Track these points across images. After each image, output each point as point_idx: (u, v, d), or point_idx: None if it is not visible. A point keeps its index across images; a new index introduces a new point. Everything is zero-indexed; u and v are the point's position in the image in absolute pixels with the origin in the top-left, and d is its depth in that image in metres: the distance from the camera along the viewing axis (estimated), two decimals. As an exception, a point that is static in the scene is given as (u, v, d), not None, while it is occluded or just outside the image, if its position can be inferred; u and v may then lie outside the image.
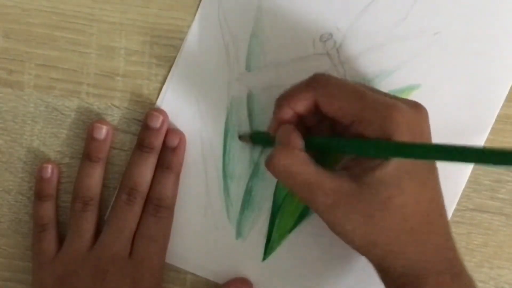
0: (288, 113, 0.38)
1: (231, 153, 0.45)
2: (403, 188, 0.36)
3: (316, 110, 0.38)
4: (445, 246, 0.38)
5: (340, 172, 0.37)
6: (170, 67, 0.45)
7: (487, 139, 0.44)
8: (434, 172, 0.38)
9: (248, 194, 0.45)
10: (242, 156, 0.45)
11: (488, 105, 0.44)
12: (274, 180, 0.45)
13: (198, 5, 0.44)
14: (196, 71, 0.44)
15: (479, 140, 0.44)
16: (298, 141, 0.37)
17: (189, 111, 0.45)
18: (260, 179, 0.45)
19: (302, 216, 0.45)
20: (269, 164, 0.37)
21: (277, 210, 0.45)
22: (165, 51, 0.45)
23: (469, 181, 0.44)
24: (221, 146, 0.45)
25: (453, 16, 0.43)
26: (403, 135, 0.35)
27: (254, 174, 0.45)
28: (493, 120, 0.43)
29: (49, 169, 0.45)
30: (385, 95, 0.38)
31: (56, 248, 0.44)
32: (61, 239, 0.45)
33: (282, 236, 0.45)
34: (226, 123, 0.45)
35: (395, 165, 0.35)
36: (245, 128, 0.44)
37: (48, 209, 0.45)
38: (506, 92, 0.43)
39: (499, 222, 0.44)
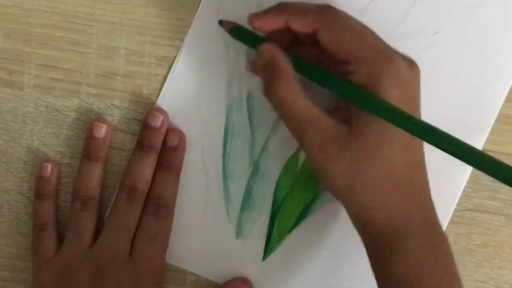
0: (281, 22, 0.38)
1: (231, 153, 0.45)
2: (393, 137, 0.35)
3: (312, 35, 0.38)
4: (424, 203, 0.38)
5: (332, 112, 0.37)
6: (170, 67, 0.45)
7: (487, 139, 0.44)
8: None
9: (248, 194, 0.45)
10: (242, 156, 0.45)
11: (488, 105, 0.44)
12: (274, 180, 0.45)
13: (198, 5, 0.44)
14: (196, 71, 0.44)
15: (479, 140, 0.43)
16: (290, 70, 0.37)
17: (189, 111, 0.45)
18: (260, 179, 0.45)
19: (302, 216, 0.45)
20: (268, 93, 0.37)
21: (277, 210, 0.45)
22: (165, 51, 0.45)
23: (469, 181, 0.44)
24: (221, 146, 0.45)
25: (453, 16, 0.43)
26: (391, 88, 0.35)
27: (254, 174, 0.45)
28: (493, 120, 0.43)
29: (49, 168, 0.45)
30: (386, 45, 0.38)
31: (56, 248, 0.44)
32: (61, 239, 0.45)
33: (282, 236, 0.45)
34: (226, 123, 0.45)
35: None
36: (245, 129, 0.44)
37: (47, 208, 0.45)
38: (506, 92, 0.43)
39: (499, 222, 0.44)
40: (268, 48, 0.38)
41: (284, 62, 0.37)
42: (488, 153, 0.44)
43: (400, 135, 0.36)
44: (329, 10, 0.38)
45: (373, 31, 0.39)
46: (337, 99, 0.40)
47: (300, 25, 0.38)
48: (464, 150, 0.33)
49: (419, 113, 0.38)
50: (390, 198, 0.36)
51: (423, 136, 0.34)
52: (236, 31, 0.41)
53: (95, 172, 0.44)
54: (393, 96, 0.35)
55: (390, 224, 0.36)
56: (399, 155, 0.36)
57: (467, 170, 0.44)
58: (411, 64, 0.37)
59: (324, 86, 0.38)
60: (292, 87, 0.37)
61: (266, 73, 0.38)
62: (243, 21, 0.44)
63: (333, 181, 0.37)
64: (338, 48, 0.37)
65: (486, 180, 0.44)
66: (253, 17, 0.39)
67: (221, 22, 0.42)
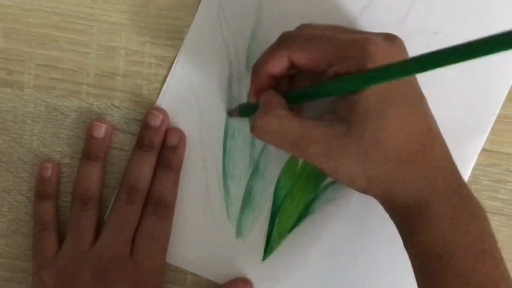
0: (265, 77, 0.39)
1: (231, 153, 0.45)
2: (390, 117, 0.35)
3: (292, 67, 0.38)
4: (446, 170, 0.37)
5: (326, 117, 0.37)
6: (170, 67, 0.45)
7: (487, 139, 0.44)
8: (422, 98, 0.37)
9: (248, 194, 0.45)
10: (242, 156, 0.45)
11: (488, 105, 0.44)
12: (274, 180, 0.45)
13: (198, 5, 0.44)
14: (196, 71, 0.44)
15: (479, 140, 0.43)
16: (277, 101, 0.38)
17: (189, 111, 0.45)
18: (260, 179, 0.45)
19: (302, 216, 0.45)
20: (252, 128, 0.37)
21: (277, 210, 0.45)
22: (165, 51, 0.45)
23: (469, 181, 0.44)
24: (221, 146, 0.45)
25: (452, 15, 0.43)
26: (376, 65, 0.35)
27: (254, 174, 0.45)
28: (493, 120, 0.43)
29: (49, 169, 0.45)
30: (358, 32, 0.38)
31: (56, 248, 0.44)
32: (61, 239, 0.45)
33: (282, 236, 0.45)
34: (226, 123, 0.45)
35: (377, 96, 0.35)
36: (245, 129, 0.44)
37: (48, 209, 0.45)
38: (506, 92, 0.43)
39: (499, 222, 0.44)
40: (264, 94, 0.39)
41: (271, 97, 0.38)
42: (488, 153, 0.44)
43: (397, 113, 0.35)
44: (284, 34, 0.38)
45: (337, 26, 0.39)
46: (331, 103, 0.40)
47: (277, 67, 0.38)
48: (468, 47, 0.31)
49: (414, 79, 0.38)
50: (406, 176, 0.36)
51: (429, 66, 0.32)
52: (242, 109, 0.43)
53: (95, 172, 0.44)
54: None
55: (413, 199, 0.36)
56: (403, 133, 0.36)
57: (467, 170, 0.44)
58: (390, 38, 0.37)
59: (322, 97, 0.38)
60: (274, 114, 0.37)
61: (256, 112, 0.38)
62: (242, 21, 0.44)
63: (348, 180, 0.37)
64: (313, 60, 0.37)
65: (486, 180, 0.44)
66: (249, 95, 0.40)
67: (229, 113, 0.44)
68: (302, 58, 0.37)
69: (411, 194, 0.36)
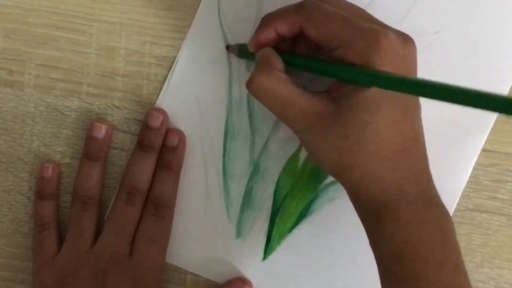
0: (270, 33, 0.38)
1: (231, 153, 0.45)
2: (381, 114, 0.35)
3: (301, 33, 0.38)
4: (419, 177, 0.37)
5: (321, 94, 0.37)
6: (170, 67, 0.45)
7: (487, 139, 0.43)
8: (417, 106, 0.38)
9: (248, 194, 0.45)
10: (242, 156, 0.45)
11: (488, 105, 0.43)
12: (274, 180, 0.45)
13: (198, 5, 0.44)
14: (196, 71, 0.44)
15: (479, 140, 0.43)
16: (277, 62, 0.38)
17: (189, 111, 0.45)
18: (260, 179, 0.45)
19: (302, 216, 0.45)
20: (249, 84, 0.37)
21: (277, 210, 0.45)
22: (165, 51, 0.45)
23: (469, 181, 0.44)
24: (221, 146, 0.45)
25: (453, 15, 0.43)
26: (385, 63, 0.35)
27: (254, 174, 0.45)
28: (493, 120, 0.43)
29: (50, 169, 0.45)
30: (375, 21, 0.38)
31: (56, 248, 0.44)
32: (61, 239, 0.45)
33: (282, 236, 0.45)
34: (226, 123, 0.45)
35: (375, 90, 0.35)
36: (245, 129, 0.44)
37: (49, 209, 0.45)
38: (506, 92, 0.43)
39: (499, 222, 0.44)
40: (263, 50, 0.39)
41: (272, 57, 0.38)
42: (488, 153, 0.44)
43: (389, 112, 0.36)
44: (306, 2, 0.38)
45: (361, 10, 0.39)
46: (329, 82, 0.40)
47: (286, 29, 0.38)
48: (463, 93, 0.32)
49: None
50: (379, 173, 0.36)
51: (417, 91, 0.33)
52: (242, 49, 0.42)
53: (95, 172, 0.44)
54: (385, 70, 0.35)
55: (381, 199, 0.36)
56: (389, 131, 0.36)
57: (467, 170, 0.44)
58: (405, 40, 0.37)
59: (319, 74, 0.38)
60: (274, 76, 0.37)
61: (255, 68, 0.38)
62: (242, 21, 0.44)
63: (322, 160, 0.37)
64: (324, 37, 0.37)
65: (486, 180, 0.44)
66: (250, 43, 0.40)
67: (228, 48, 0.44)
68: (313, 31, 0.37)
69: (380, 194, 0.36)
